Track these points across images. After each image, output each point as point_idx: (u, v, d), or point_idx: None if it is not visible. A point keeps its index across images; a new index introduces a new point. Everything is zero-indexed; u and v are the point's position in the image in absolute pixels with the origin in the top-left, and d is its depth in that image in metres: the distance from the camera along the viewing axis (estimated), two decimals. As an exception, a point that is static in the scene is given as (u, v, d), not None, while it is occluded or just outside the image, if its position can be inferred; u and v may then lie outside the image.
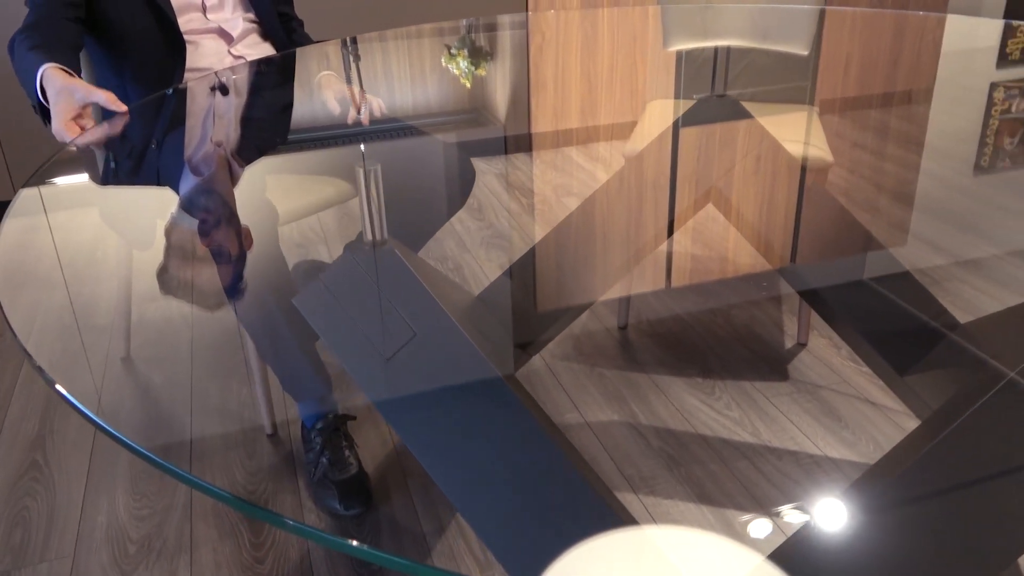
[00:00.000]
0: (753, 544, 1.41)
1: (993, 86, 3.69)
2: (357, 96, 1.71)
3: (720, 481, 1.56)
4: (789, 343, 1.95)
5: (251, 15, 1.78)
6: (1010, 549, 0.86)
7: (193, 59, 1.71)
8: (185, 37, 1.67)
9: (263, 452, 1.70)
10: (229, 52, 1.75)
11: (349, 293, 1.02)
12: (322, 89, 1.71)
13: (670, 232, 1.69)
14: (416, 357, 0.99)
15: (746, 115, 1.74)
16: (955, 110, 3.57)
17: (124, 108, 1.37)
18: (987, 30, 3.76)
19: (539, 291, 1.67)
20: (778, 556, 0.98)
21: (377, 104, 1.71)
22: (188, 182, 1.50)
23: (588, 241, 1.75)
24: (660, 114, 2.01)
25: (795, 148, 1.71)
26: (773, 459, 1.61)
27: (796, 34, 2.05)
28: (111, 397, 1.86)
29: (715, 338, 1.98)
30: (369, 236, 1.02)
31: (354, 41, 1.89)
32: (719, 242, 2.37)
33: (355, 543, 0.68)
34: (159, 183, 1.57)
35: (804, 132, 1.83)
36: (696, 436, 1.67)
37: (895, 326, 1.43)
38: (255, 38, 1.80)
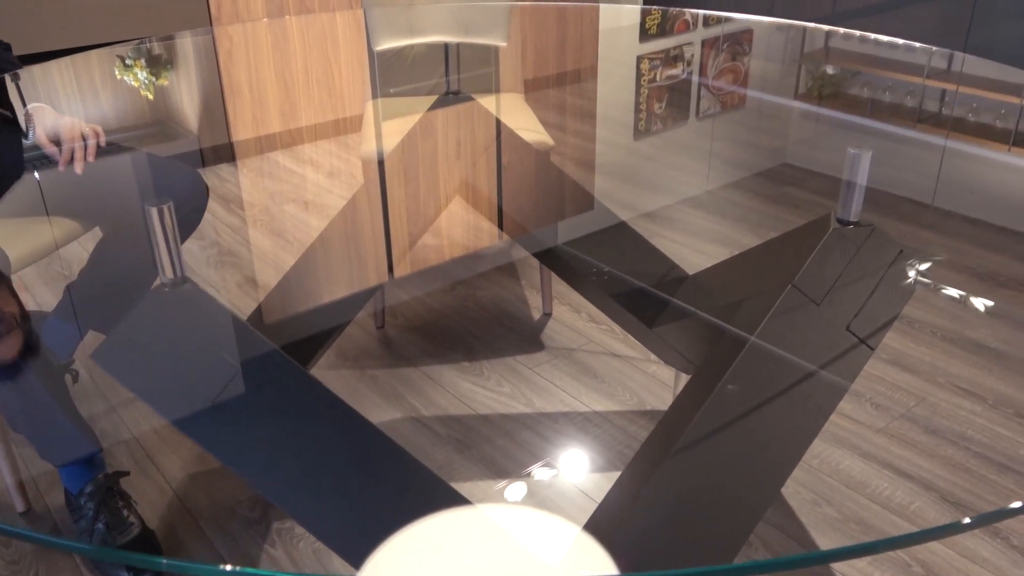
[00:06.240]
0: (560, 510, 1.53)
1: (639, 58, 4.19)
2: (70, 129, 1.53)
3: (511, 454, 1.65)
4: (536, 315, 2.10)
5: None
6: (777, 476, 1.03)
7: None
8: None
9: (20, 534, 1.50)
10: None
11: (157, 339, 0.95)
12: (34, 126, 1.51)
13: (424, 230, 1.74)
14: (242, 391, 0.96)
15: (481, 110, 1.84)
16: (614, 83, 4.00)
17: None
18: (629, 11, 4.26)
19: (302, 311, 1.64)
20: (593, 524, 1.09)
21: (93, 132, 1.55)
22: None
23: (344, 251, 1.75)
24: (387, 113, 2.05)
25: (525, 136, 1.84)
26: (550, 423, 1.74)
27: (494, 27, 2.18)
28: None
29: (469, 321, 2.08)
30: (168, 276, 0.95)
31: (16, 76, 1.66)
32: (461, 229, 2.47)
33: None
34: None
35: (523, 119, 1.97)
36: (478, 417, 1.75)
37: (636, 284, 1.61)
38: None
